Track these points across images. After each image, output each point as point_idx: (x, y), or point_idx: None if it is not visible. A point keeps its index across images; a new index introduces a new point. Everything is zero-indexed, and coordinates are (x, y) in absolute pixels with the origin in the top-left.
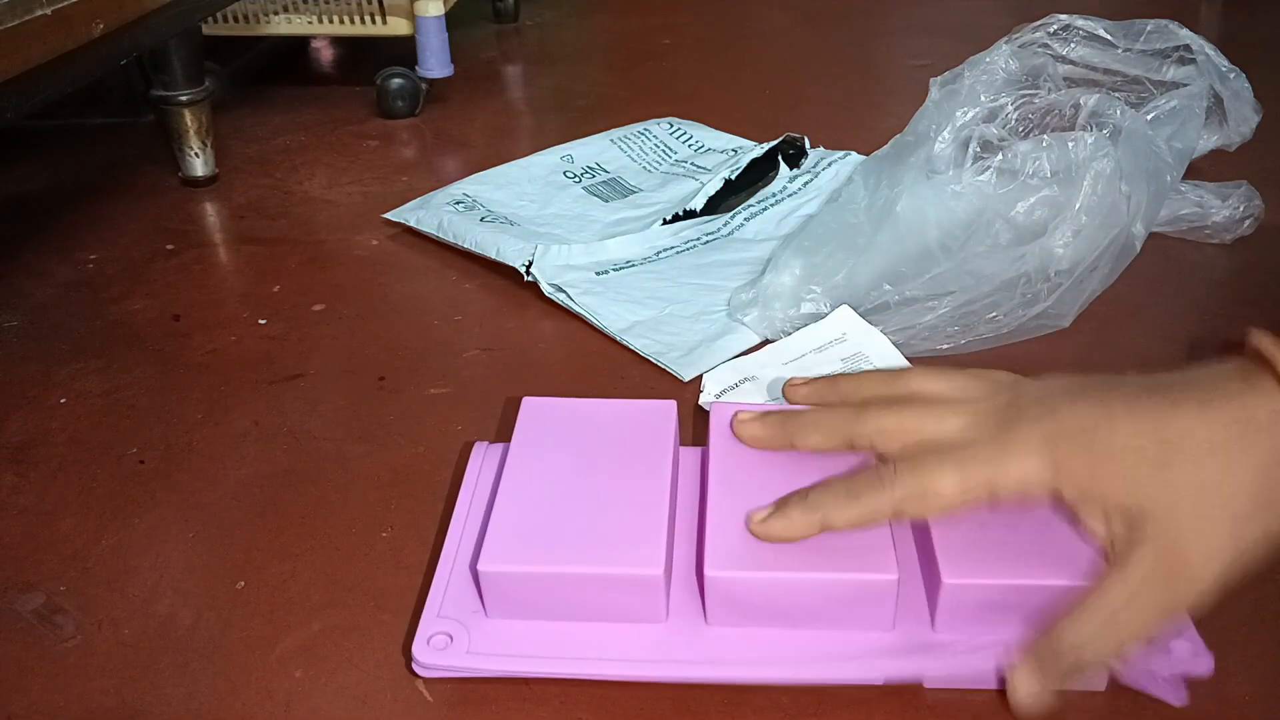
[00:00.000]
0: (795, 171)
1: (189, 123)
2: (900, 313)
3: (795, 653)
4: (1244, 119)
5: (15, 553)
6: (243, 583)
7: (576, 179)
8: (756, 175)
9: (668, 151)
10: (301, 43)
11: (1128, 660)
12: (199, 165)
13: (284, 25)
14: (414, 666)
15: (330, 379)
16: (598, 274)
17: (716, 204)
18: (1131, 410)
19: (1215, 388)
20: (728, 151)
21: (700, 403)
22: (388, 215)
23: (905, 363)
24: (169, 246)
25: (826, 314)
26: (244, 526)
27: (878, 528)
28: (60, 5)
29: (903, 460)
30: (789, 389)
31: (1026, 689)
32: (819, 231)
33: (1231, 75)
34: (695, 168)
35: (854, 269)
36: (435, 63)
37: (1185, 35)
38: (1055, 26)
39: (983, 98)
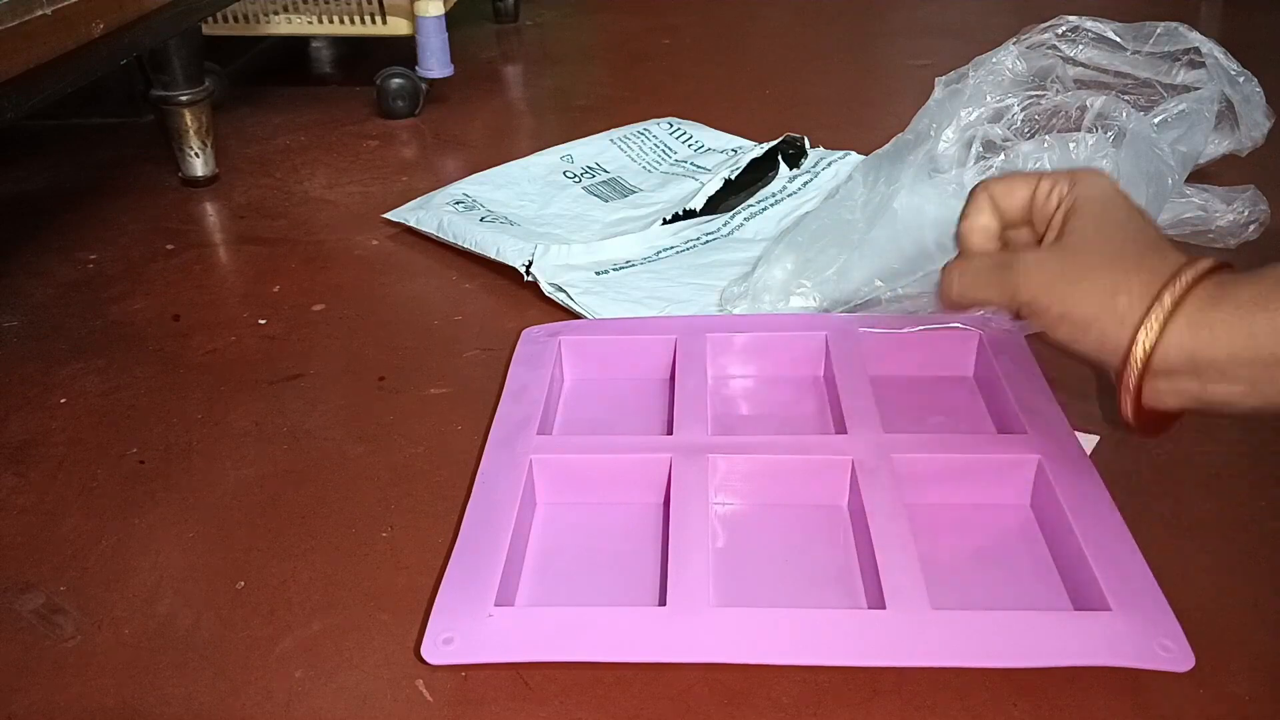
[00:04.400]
0: (795, 171)
1: (189, 123)
2: (890, 309)
3: (795, 637)
4: (1255, 124)
5: (15, 553)
6: (243, 583)
7: (576, 179)
8: (756, 175)
9: (668, 151)
10: (301, 43)
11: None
12: (199, 165)
13: (284, 25)
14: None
15: (330, 379)
16: (598, 274)
17: (716, 204)
18: (1132, 217)
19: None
20: (728, 151)
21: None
22: (388, 215)
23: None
24: (169, 246)
25: (814, 308)
26: (244, 526)
27: None
28: (60, 5)
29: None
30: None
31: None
32: (813, 227)
33: (1242, 80)
34: (695, 168)
35: (846, 264)
36: (435, 63)
37: (1195, 38)
38: (1064, 28)
39: (989, 98)
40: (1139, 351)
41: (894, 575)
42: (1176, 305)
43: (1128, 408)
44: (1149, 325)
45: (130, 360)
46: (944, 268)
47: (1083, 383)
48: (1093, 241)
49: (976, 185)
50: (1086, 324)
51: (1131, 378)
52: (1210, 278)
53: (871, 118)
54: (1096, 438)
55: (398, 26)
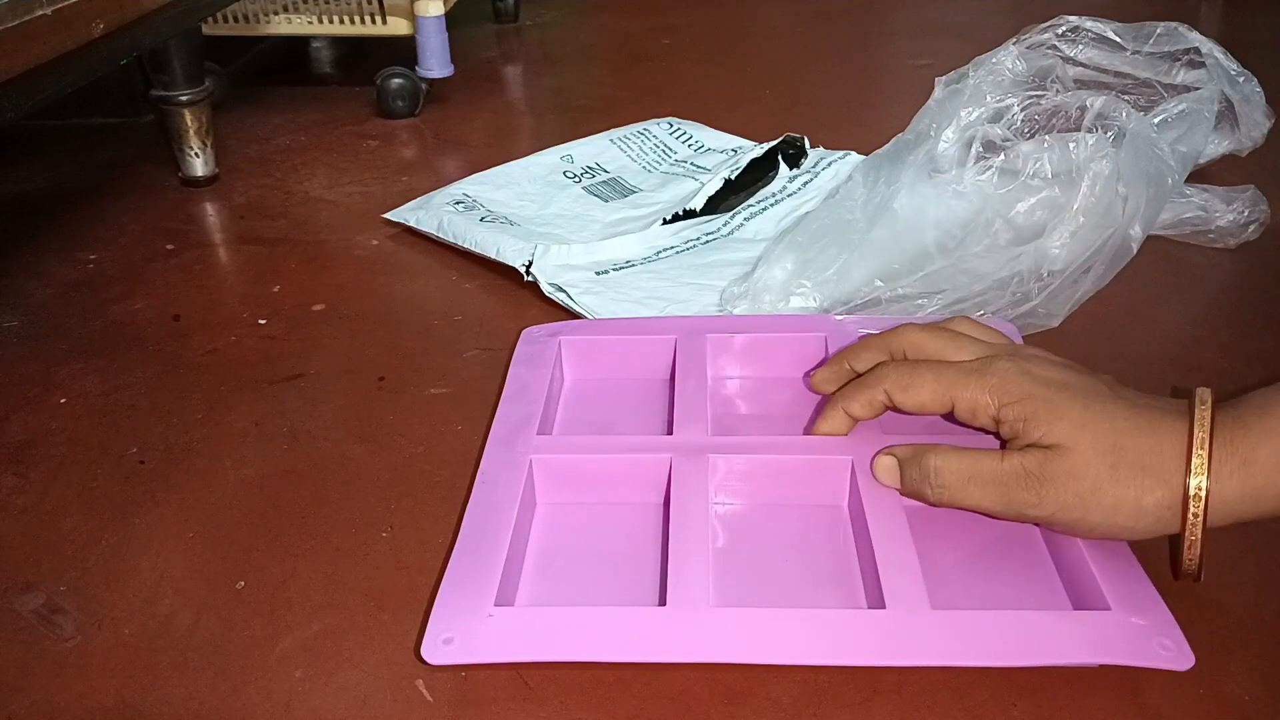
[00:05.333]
0: (795, 171)
1: (189, 123)
2: (890, 309)
3: (795, 637)
4: (1255, 124)
5: (15, 553)
6: (243, 583)
7: (576, 179)
8: (756, 175)
9: (668, 151)
10: (301, 43)
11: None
12: (199, 165)
13: (284, 25)
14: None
15: (330, 379)
16: (598, 274)
17: (716, 204)
18: (1087, 399)
19: (1163, 423)
20: (727, 151)
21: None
22: (388, 215)
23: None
24: (169, 246)
25: (814, 308)
26: (244, 526)
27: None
28: (60, 5)
29: (904, 362)
30: (817, 382)
31: (884, 471)
32: (813, 227)
33: (1242, 80)
34: (695, 168)
35: (846, 265)
36: (435, 63)
37: (1195, 38)
38: (1064, 28)
39: (989, 98)
40: (1193, 540)
41: (894, 575)
42: (1207, 490)
43: (1195, 575)
44: (1193, 519)
45: (130, 360)
46: (925, 457)
47: None
48: (1080, 447)
49: (874, 376)
50: (1126, 531)
51: (1194, 556)
52: (1217, 440)
53: (871, 118)
54: None
55: (398, 26)
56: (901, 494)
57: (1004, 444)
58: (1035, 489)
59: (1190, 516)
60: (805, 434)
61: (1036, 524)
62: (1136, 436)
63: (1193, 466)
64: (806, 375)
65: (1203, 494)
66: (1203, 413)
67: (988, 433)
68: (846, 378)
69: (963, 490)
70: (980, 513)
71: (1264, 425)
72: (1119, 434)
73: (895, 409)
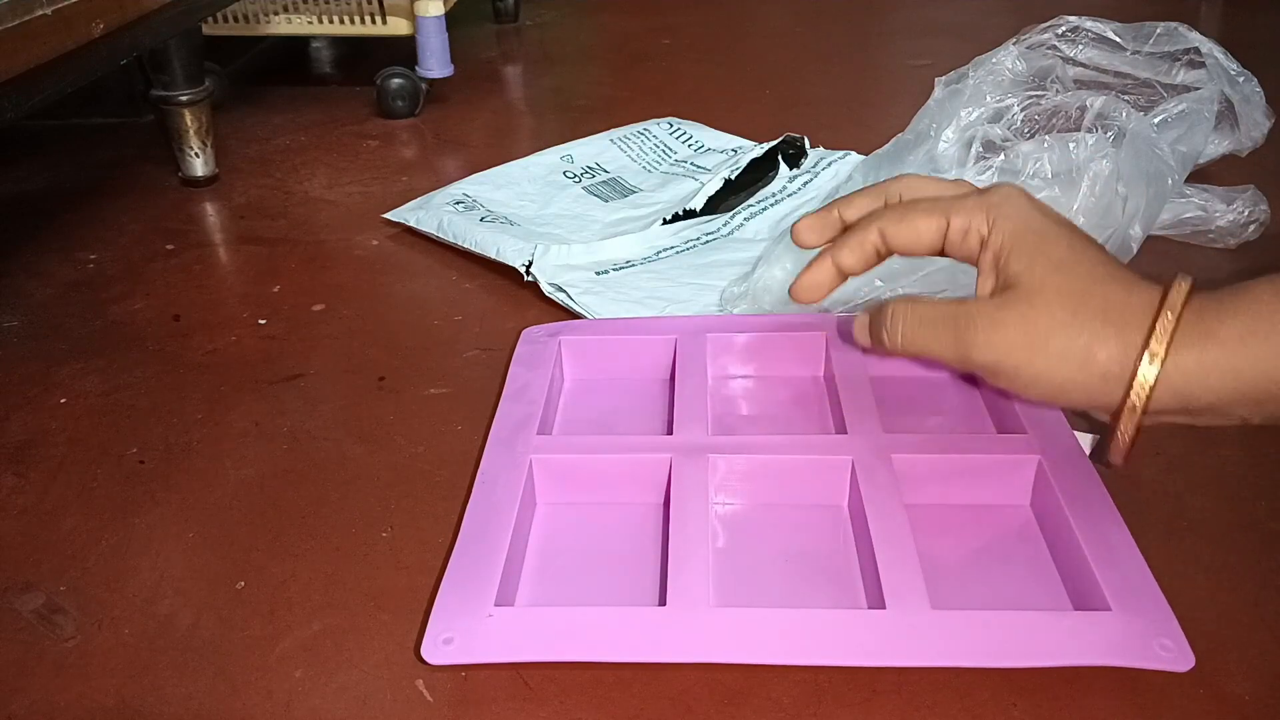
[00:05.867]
0: (795, 171)
1: (189, 123)
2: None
3: (795, 637)
4: (1255, 124)
5: (15, 553)
6: (243, 583)
7: (576, 179)
8: (756, 175)
9: (668, 151)
10: (301, 43)
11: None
12: (199, 165)
13: (284, 25)
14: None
15: (330, 379)
16: (598, 274)
17: (716, 204)
18: (1073, 242)
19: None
20: (727, 151)
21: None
22: (388, 215)
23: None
24: (169, 246)
25: (814, 308)
26: (244, 526)
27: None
28: (60, 5)
29: (899, 204)
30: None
31: (857, 328)
32: None
33: (1242, 80)
34: (695, 168)
35: None
36: (435, 63)
37: (1195, 38)
38: (1064, 28)
39: (989, 98)
40: (1134, 405)
41: (894, 575)
42: (1165, 354)
43: (1121, 455)
44: (1140, 381)
45: (130, 360)
46: (887, 305)
47: None
48: (1047, 288)
49: (867, 219)
50: (1064, 386)
51: (1128, 431)
52: (1187, 310)
53: (871, 118)
54: (1096, 438)
55: (398, 26)
56: (867, 348)
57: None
58: (986, 330)
59: (1138, 380)
60: (792, 295)
61: (983, 373)
62: (1109, 287)
63: (1157, 328)
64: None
65: (1162, 355)
66: (1180, 285)
67: (973, 263)
68: (834, 229)
69: (915, 334)
70: (933, 360)
71: (1236, 302)
72: (1094, 280)
73: (890, 252)
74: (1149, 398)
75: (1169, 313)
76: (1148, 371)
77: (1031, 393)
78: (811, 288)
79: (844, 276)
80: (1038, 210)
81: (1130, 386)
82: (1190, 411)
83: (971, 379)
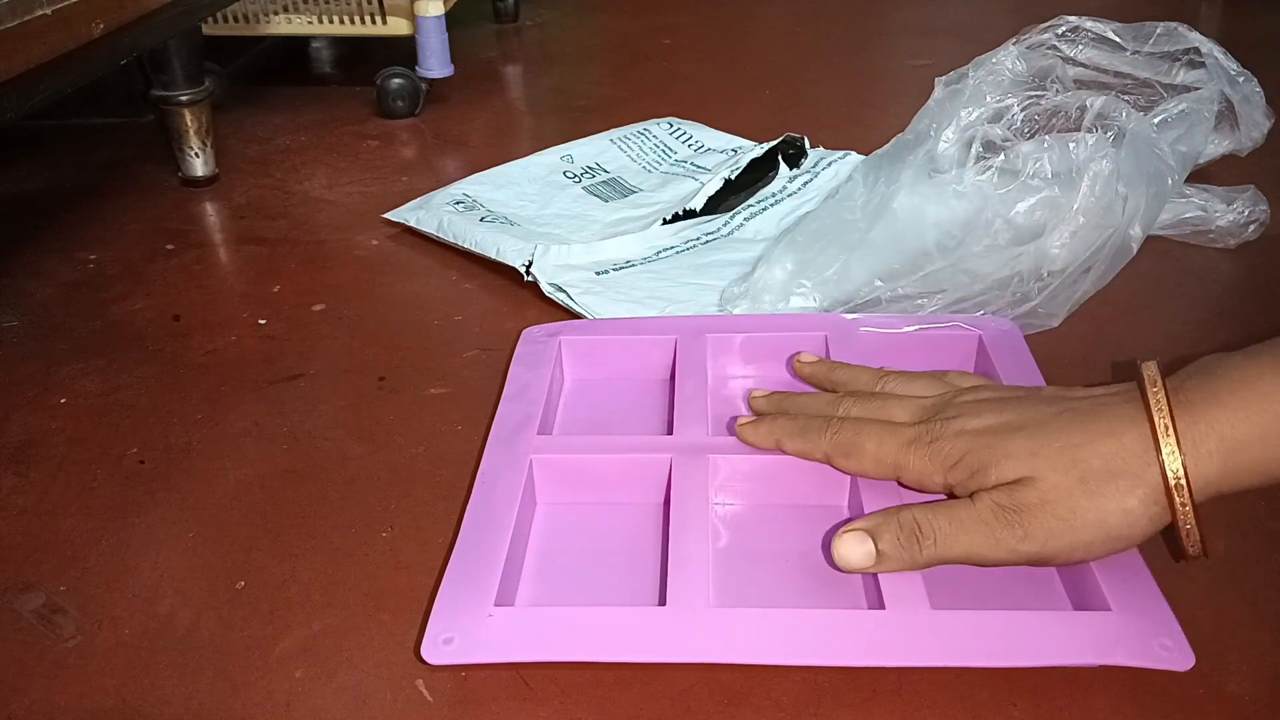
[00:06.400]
0: (795, 171)
1: (189, 123)
2: (890, 309)
3: (795, 637)
4: (1255, 124)
5: (15, 553)
6: (243, 583)
7: (576, 179)
8: (756, 175)
9: (668, 151)
10: (301, 43)
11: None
12: (199, 165)
13: (284, 25)
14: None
15: (330, 379)
16: (598, 274)
17: (716, 204)
18: (1030, 429)
19: (1110, 427)
20: (727, 151)
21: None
22: (388, 215)
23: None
24: (169, 246)
25: (814, 308)
26: (244, 526)
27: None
28: (60, 5)
29: (851, 421)
30: (797, 364)
31: (850, 548)
32: (813, 227)
33: (1242, 80)
34: (695, 168)
35: (847, 264)
36: (435, 63)
37: (1195, 38)
38: (1064, 28)
39: (989, 98)
40: (1184, 516)
41: (894, 575)
42: (1180, 450)
43: (1198, 545)
44: (1179, 498)
45: (130, 360)
46: (908, 518)
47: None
48: (1039, 476)
49: (819, 429)
50: (1118, 542)
51: (1190, 525)
52: (1181, 419)
53: (871, 118)
54: None
55: (398, 26)
56: (877, 568)
57: None
58: (1015, 522)
59: (1179, 505)
60: (729, 431)
61: (1037, 563)
62: (1094, 444)
63: (1164, 456)
64: (790, 360)
65: (1183, 478)
66: (1156, 396)
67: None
68: (824, 380)
69: (953, 540)
70: (974, 563)
71: (1239, 400)
72: (1075, 448)
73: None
74: (1197, 512)
75: (1167, 440)
76: (1183, 499)
77: (1101, 556)
78: (751, 438)
79: (775, 448)
80: (973, 431)
81: (1175, 516)
82: (1229, 488)
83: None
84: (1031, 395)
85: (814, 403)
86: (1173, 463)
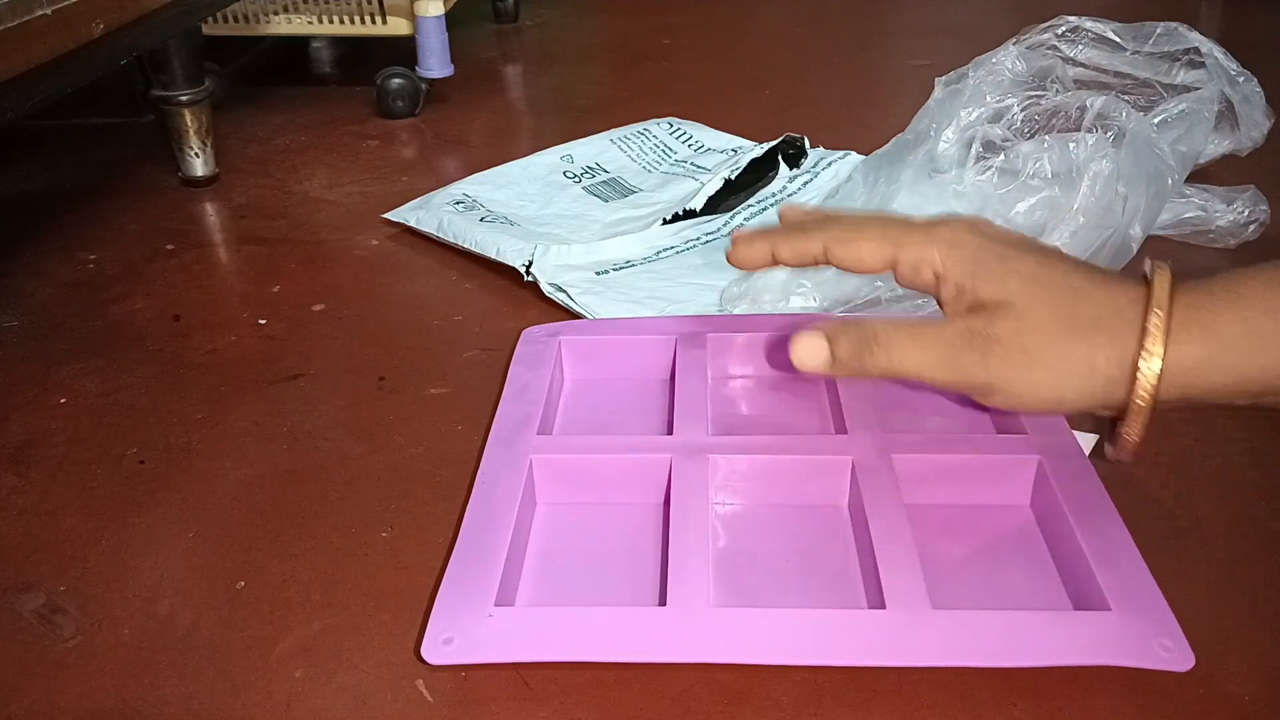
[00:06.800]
0: (795, 171)
1: (189, 123)
2: (890, 309)
3: (795, 637)
4: (1255, 124)
5: (15, 553)
6: (243, 583)
7: (576, 179)
8: (756, 175)
9: (668, 151)
10: (301, 43)
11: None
12: (199, 165)
13: (284, 25)
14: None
15: (330, 379)
16: (598, 274)
17: (716, 204)
18: (1042, 255)
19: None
20: (727, 151)
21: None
22: (388, 215)
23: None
24: (169, 246)
25: (814, 308)
26: (244, 526)
27: None
28: (60, 5)
29: (849, 217)
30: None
31: (806, 350)
32: None
33: (1242, 80)
34: (695, 168)
35: None
36: (435, 63)
37: (1195, 38)
38: (1063, 28)
39: (988, 98)
40: (1139, 406)
41: (894, 575)
42: (1164, 352)
43: (1130, 453)
44: (1143, 380)
45: (130, 360)
46: (867, 326)
47: None
48: (1030, 301)
49: (816, 227)
50: (1065, 395)
51: (1135, 430)
52: (1176, 304)
53: (871, 118)
54: (1096, 437)
55: (398, 26)
56: (832, 371)
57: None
58: (981, 348)
59: (1141, 377)
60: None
61: (979, 394)
62: (1092, 293)
63: (1150, 326)
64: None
65: (1160, 354)
66: (1161, 277)
67: (931, 296)
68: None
69: (904, 351)
70: (922, 380)
71: (1231, 295)
72: (1074, 290)
73: (831, 263)
74: (1154, 395)
75: (1158, 310)
76: (1148, 370)
77: (1030, 405)
78: (744, 259)
79: (771, 261)
80: (989, 233)
81: (1134, 388)
82: (1191, 401)
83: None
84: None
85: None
86: (1155, 337)
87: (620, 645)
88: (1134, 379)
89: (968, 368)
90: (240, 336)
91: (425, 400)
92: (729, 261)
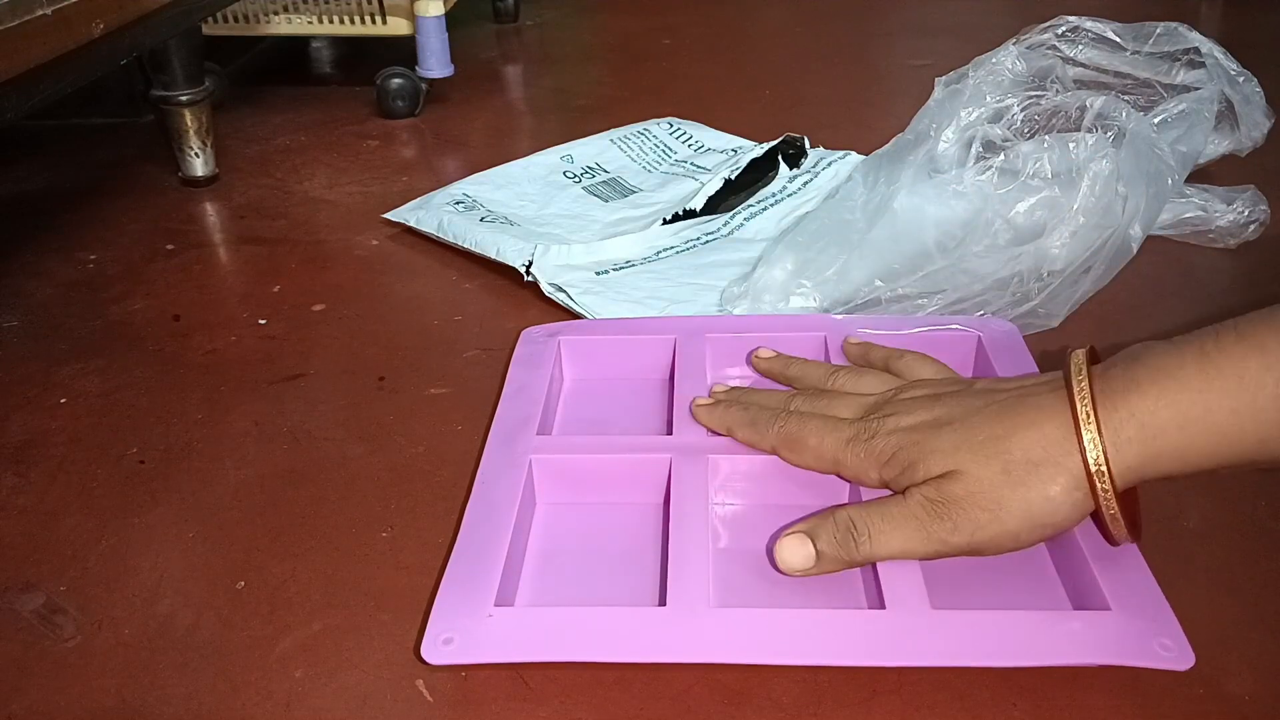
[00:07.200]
0: (795, 171)
1: (189, 123)
2: (890, 309)
3: (795, 637)
4: (1255, 124)
5: (15, 553)
6: (243, 583)
7: (576, 179)
8: (756, 175)
9: (668, 151)
10: (301, 43)
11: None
12: (199, 165)
13: (284, 25)
14: (427, 647)
15: (330, 379)
16: (598, 274)
17: (716, 204)
18: (954, 424)
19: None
20: (727, 151)
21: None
22: (388, 215)
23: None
24: (169, 246)
25: (814, 308)
26: (244, 526)
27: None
28: (60, 5)
29: (797, 415)
30: (755, 358)
31: (791, 552)
32: (813, 227)
33: (1242, 80)
34: (695, 168)
35: (846, 264)
36: (435, 63)
37: (1195, 38)
38: (1063, 28)
39: (989, 98)
40: (1108, 501)
41: (894, 575)
42: (1099, 435)
43: (1124, 531)
44: (1100, 482)
45: (130, 360)
46: (842, 518)
47: None
48: (964, 469)
49: (771, 415)
50: (1044, 530)
51: (1114, 510)
52: (1102, 406)
53: (871, 118)
54: None
55: (398, 26)
56: (816, 569)
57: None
58: (944, 515)
59: (1100, 491)
60: (683, 409)
61: (970, 554)
62: (1016, 435)
63: (1085, 443)
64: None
65: (1104, 464)
66: (1080, 384)
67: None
68: (779, 375)
69: (886, 538)
70: (911, 558)
71: (1159, 388)
72: (997, 440)
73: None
74: (1117, 495)
75: (1088, 426)
76: (1104, 486)
77: (1030, 544)
78: (704, 419)
79: (723, 431)
80: (903, 429)
81: (1097, 500)
82: (1152, 473)
83: None
84: (965, 389)
85: (768, 398)
86: (1093, 450)
87: (620, 645)
88: (1095, 496)
89: (944, 537)
90: (240, 336)
91: (425, 400)
92: (694, 417)
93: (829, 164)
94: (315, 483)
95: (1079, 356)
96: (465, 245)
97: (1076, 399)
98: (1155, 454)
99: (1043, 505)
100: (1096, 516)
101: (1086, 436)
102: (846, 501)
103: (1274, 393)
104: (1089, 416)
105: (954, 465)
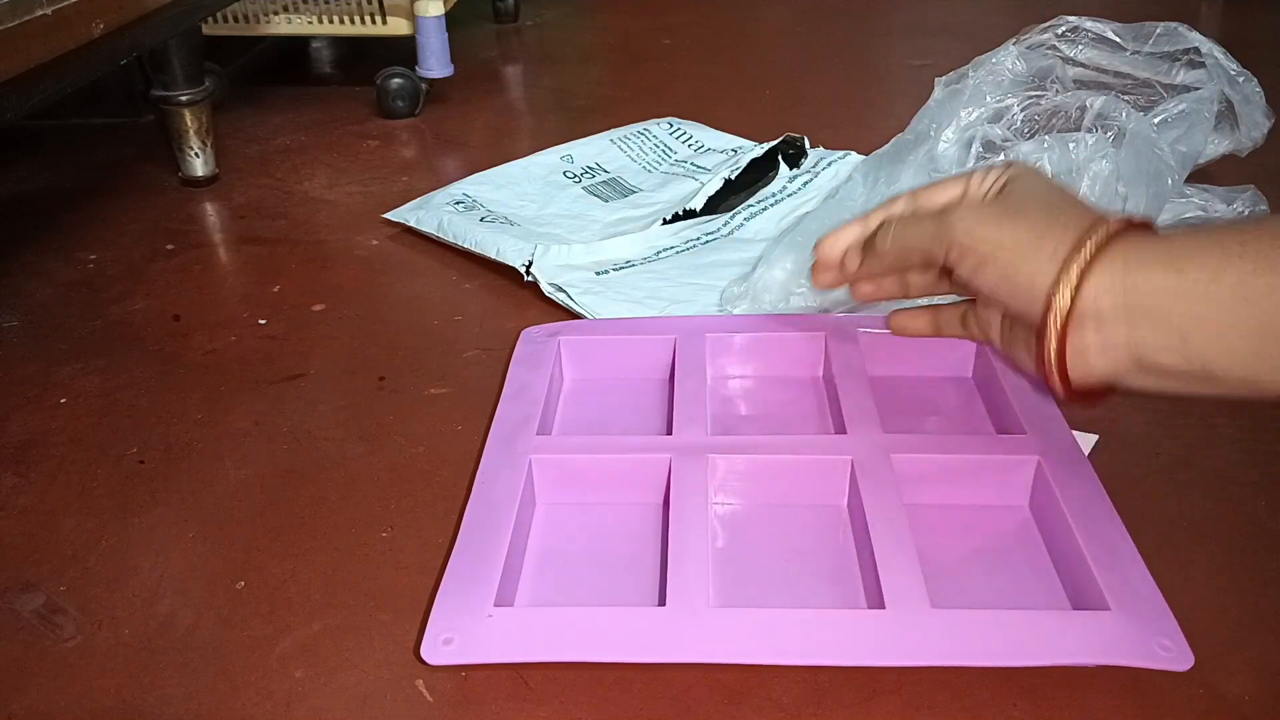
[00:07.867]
0: (795, 171)
1: (189, 123)
2: (890, 309)
3: (794, 637)
4: (1255, 124)
5: (15, 553)
6: (243, 583)
7: (576, 179)
8: (756, 175)
9: (668, 151)
10: (301, 43)
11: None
12: (199, 165)
13: (284, 25)
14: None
15: (330, 379)
16: (598, 274)
17: (716, 204)
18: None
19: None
20: (727, 151)
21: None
22: (388, 215)
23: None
24: (169, 246)
25: (814, 308)
26: (244, 526)
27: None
28: (60, 5)
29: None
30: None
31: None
32: (813, 227)
33: (1242, 80)
34: (695, 168)
35: None
36: (435, 63)
37: (1195, 38)
38: (1063, 28)
39: (989, 98)
40: (1065, 290)
41: (894, 575)
42: (1105, 243)
43: (1051, 355)
44: (1078, 258)
45: (130, 360)
46: (880, 225)
47: None
48: (1026, 198)
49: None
50: (1014, 266)
51: (1056, 319)
52: (1136, 229)
53: (871, 118)
54: (1095, 438)
55: (398, 26)
56: (833, 283)
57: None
58: (969, 214)
59: (1055, 307)
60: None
61: (951, 255)
62: (1084, 208)
63: (1088, 240)
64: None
65: (1074, 272)
66: (1115, 222)
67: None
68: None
69: (904, 231)
70: (915, 256)
71: (1166, 247)
72: (1062, 193)
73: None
74: (1083, 283)
75: (1115, 218)
76: (1085, 248)
77: (986, 274)
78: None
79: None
80: (1043, 174)
81: (1065, 262)
82: (1127, 316)
83: (973, 384)
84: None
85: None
86: (1100, 231)
87: (620, 645)
88: (1068, 256)
89: (953, 227)
90: (240, 336)
91: (425, 400)
92: (891, 330)
93: (829, 164)
94: (315, 482)
95: (1131, 217)
96: (465, 245)
97: (1117, 216)
98: (1135, 305)
99: (1033, 243)
100: (1044, 311)
101: (1107, 224)
102: (847, 501)
103: None
104: (1119, 222)
105: (1030, 183)
